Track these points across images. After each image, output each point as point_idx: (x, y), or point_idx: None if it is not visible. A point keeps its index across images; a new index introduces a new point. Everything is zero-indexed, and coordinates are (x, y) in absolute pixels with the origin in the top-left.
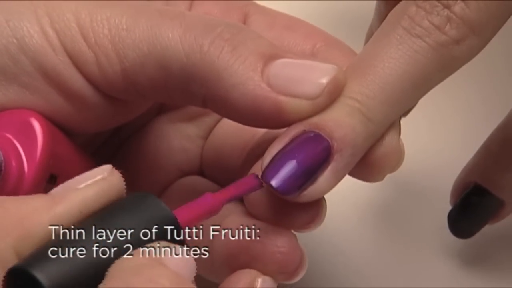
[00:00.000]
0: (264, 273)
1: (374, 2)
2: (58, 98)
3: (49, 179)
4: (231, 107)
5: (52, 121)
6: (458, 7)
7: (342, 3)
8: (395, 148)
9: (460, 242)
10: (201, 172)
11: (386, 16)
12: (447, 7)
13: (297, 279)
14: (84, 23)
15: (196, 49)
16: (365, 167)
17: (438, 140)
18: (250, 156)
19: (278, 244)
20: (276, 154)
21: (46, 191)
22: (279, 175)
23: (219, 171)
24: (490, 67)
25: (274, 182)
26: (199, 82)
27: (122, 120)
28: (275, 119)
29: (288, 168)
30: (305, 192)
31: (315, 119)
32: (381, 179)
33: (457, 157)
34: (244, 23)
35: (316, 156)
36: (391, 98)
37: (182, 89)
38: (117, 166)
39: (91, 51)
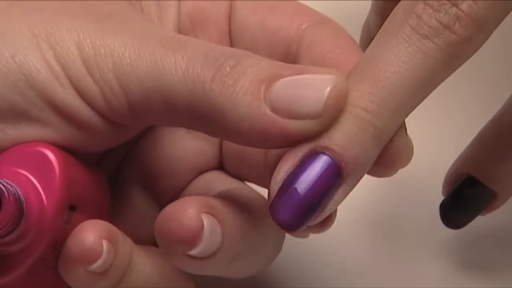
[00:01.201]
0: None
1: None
2: (68, 128)
3: (69, 208)
4: (239, 138)
5: (61, 147)
6: (466, 5)
7: (340, 2)
8: (405, 145)
9: (454, 241)
10: (221, 169)
11: (383, 8)
12: (455, 5)
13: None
14: (88, 57)
15: (199, 87)
16: (377, 167)
17: (431, 135)
18: None
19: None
20: (283, 184)
21: (67, 221)
22: (287, 213)
23: (242, 166)
24: (482, 61)
25: (283, 221)
26: (206, 117)
27: (131, 136)
28: (283, 142)
29: (296, 204)
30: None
31: (323, 140)
32: (393, 174)
33: (449, 151)
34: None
35: (326, 184)
36: (401, 104)
37: (191, 122)
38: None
39: (97, 85)
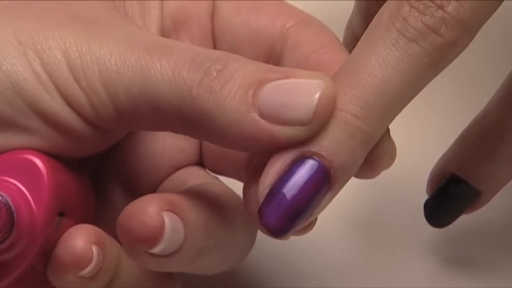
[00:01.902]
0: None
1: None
2: (55, 136)
3: (58, 214)
4: (227, 143)
5: (47, 153)
6: (452, 7)
7: (324, 2)
8: (388, 147)
9: (437, 239)
10: (201, 165)
11: (366, 8)
12: (441, 7)
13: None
14: (75, 65)
15: (186, 93)
16: (360, 169)
17: (415, 134)
18: None
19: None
20: (271, 189)
21: (56, 228)
22: (276, 219)
23: (222, 163)
24: (466, 60)
25: (271, 227)
26: (194, 122)
27: (117, 140)
28: (271, 147)
29: (284, 209)
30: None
31: (312, 145)
32: (376, 176)
33: (433, 150)
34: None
35: (314, 189)
36: (390, 109)
37: (179, 127)
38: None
39: (84, 93)
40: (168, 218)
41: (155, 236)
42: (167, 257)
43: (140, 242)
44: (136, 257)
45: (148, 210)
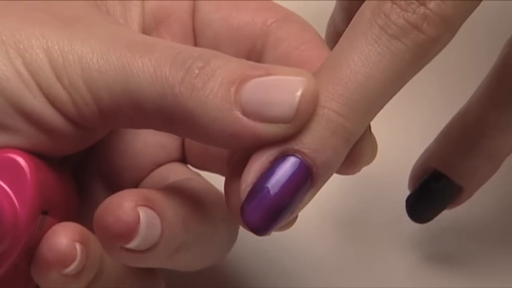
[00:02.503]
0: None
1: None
2: (38, 135)
3: (42, 213)
4: (210, 140)
5: (30, 152)
6: (433, 4)
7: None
8: (369, 143)
9: (418, 235)
10: (183, 162)
11: (348, 5)
12: (423, 4)
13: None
14: (57, 64)
15: (168, 91)
16: (341, 165)
17: (397, 129)
18: None
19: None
20: (253, 186)
21: (40, 226)
22: (258, 216)
23: (205, 159)
24: (447, 55)
25: (253, 224)
26: (176, 120)
27: (100, 138)
28: (254, 144)
29: (266, 207)
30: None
31: (294, 143)
32: (357, 172)
33: (415, 145)
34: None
35: (296, 186)
36: (372, 106)
37: (161, 125)
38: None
39: (66, 92)
40: (143, 213)
41: (130, 231)
42: (144, 253)
43: (115, 237)
44: (113, 253)
45: (123, 205)
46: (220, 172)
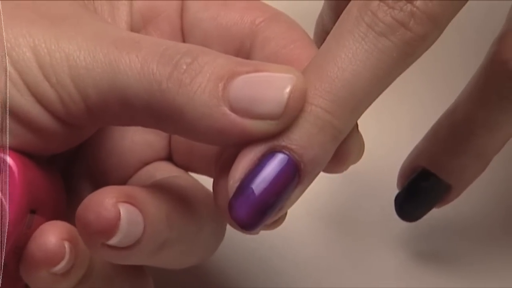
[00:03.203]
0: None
1: None
2: (26, 134)
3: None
4: (198, 136)
5: (17, 151)
6: (421, 1)
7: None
8: (356, 142)
9: (407, 233)
10: (170, 161)
11: (336, 3)
12: (410, 1)
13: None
14: (44, 62)
15: (155, 87)
16: (328, 164)
17: (385, 128)
18: None
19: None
20: (241, 182)
21: (28, 225)
22: (246, 212)
23: (191, 158)
24: (436, 53)
25: (241, 221)
26: (164, 116)
27: (88, 136)
28: (242, 141)
29: (254, 203)
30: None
31: (282, 139)
32: (344, 171)
33: (404, 144)
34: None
35: (284, 183)
36: (360, 104)
37: (149, 121)
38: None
39: (54, 90)
40: (124, 210)
41: (110, 228)
42: (127, 249)
43: (96, 234)
44: (95, 250)
45: (104, 202)
46: (206, 173)
